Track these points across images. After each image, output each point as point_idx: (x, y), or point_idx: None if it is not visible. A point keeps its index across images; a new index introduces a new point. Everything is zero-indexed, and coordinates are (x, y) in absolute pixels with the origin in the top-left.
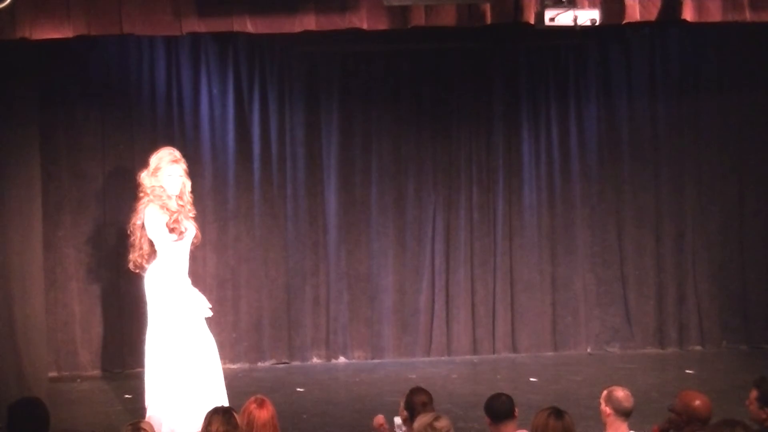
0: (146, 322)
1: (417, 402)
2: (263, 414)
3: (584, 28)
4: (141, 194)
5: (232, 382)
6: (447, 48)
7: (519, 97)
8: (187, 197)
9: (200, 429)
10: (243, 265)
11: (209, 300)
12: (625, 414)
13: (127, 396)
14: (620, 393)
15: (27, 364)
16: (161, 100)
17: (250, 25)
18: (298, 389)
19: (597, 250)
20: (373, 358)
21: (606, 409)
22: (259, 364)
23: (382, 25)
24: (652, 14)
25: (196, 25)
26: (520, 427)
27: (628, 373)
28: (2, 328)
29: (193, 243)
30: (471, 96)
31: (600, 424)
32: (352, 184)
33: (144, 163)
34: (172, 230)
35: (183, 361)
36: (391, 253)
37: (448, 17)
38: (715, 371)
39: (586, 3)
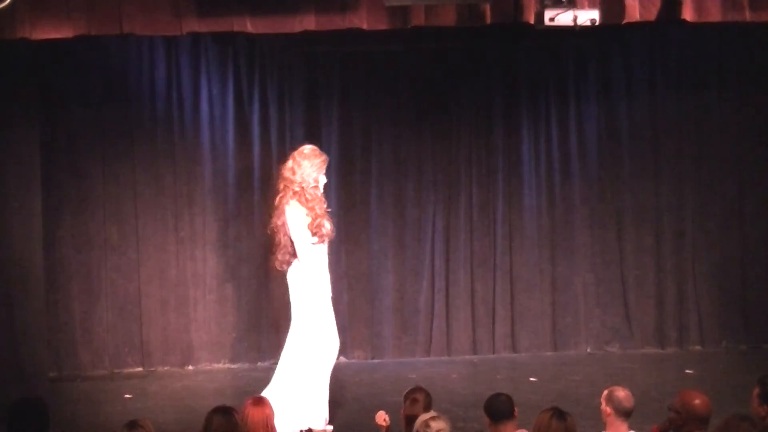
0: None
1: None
2: (258, 412)
3: (584, 28)
4: (284, 191)
5: (232, 382)
6: (447, 48)
7: (519, 97)
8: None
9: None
10: (243, 265)
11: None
12: (625, 414)
13: (127, 396)
14: (621, 393)
15: (27, 364)
16: (161, 99)
17: (250, 25)
18: None
19: (597, 249)
20: (373, 358)
21: (606, 408)
22: (260, 363)
23: (382, 25)
24: (652, 14)
25: (196, 25)
26: (520, 427)
27: (627, 373)
28: (2, 329)
29: (329, 239)
30: (471, 96)
31: (600, 423)
32: (351, 184)
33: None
34: (314, 233)
35: (319, 359)
36: (391, 253)
37: (448, 17)
38: (715, 371)
39: (586, 3)
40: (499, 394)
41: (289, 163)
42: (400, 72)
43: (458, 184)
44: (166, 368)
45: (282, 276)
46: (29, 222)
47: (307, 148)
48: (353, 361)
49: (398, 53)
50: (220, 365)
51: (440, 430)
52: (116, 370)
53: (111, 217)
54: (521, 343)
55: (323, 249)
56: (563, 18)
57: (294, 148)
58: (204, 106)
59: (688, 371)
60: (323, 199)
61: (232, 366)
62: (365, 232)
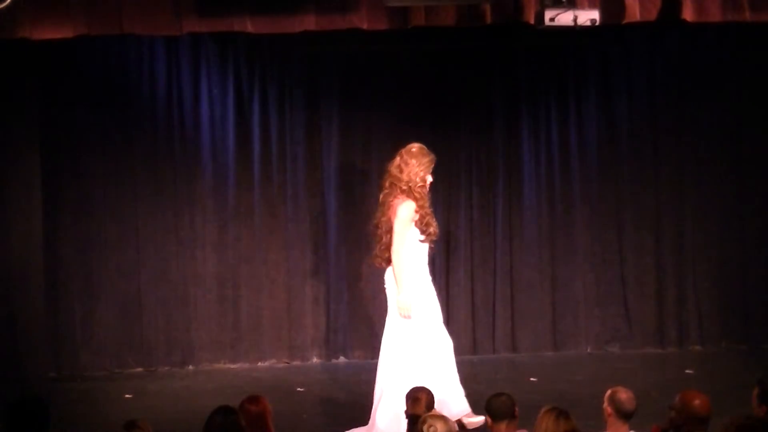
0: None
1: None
2: (254, 409)
3: (584, 28)
4: (391, 188)
5: (232, 382)
6: (447, 48)
7: (519, 97)
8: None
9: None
10: (243, 265)
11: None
12: (626, 416)
13: (127, 396)
14: (623, 395)
15: (27, 364)
16: (161, 100)
17: (250, 25)
18: (298, 389)
19: (597, 250)
20: (373, 358)
21: (608, 409)
22: (259, 363)
23: (382, 25)
24: (652, 14)
25: (196, 25)
26: (521, 426)
27: (628, 373)
28: (2, 329)
29: (434, 239)
30: (471, 96)
31: (601, 424)
32: (352, 184)
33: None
34: (422, 231)
35: (420, 357)
36: None
37: (448, 17)
38: (715, 371)
39: (586, 3)
40: (500, 394)
41: (397, 161)
42: (401, 72)
43: (458, 184)
44: (166, 368)
45: (280, 275)
46: (29, 222)
47: (416, 147)
48: (353, 360)
49: (399, 53)
50: (221, 365)
51: (440, 428)
52: (116, 370)
53: (111, 217)
54: (521, 343)
55: (424, 249)
56: (563, 18)
57: (294, 147)
58: (204, 107)
59: (688, 371)
60: (428, 198)
61: (232, 366)
62: (365, 232)
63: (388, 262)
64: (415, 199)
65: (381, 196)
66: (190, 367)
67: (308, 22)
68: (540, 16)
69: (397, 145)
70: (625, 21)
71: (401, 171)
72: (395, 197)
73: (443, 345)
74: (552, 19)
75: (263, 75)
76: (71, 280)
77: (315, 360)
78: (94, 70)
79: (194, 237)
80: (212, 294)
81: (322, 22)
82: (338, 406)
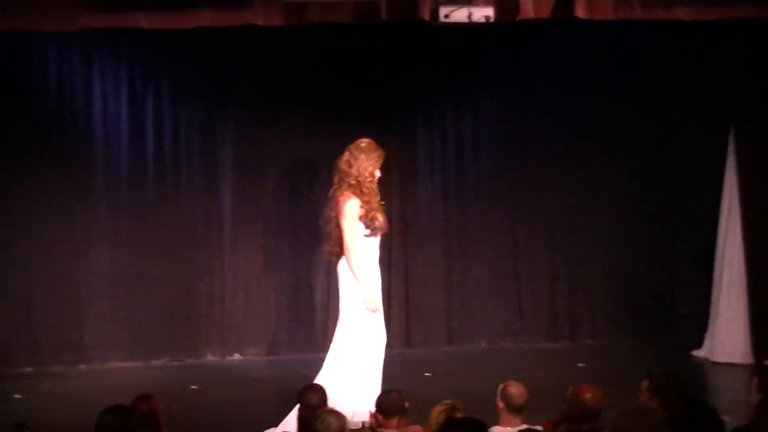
0: None
1: (309, 400)
2: (145, 407)
3: (478, 24)
4: (339, 183)
5: (125, 381)
6: (344, 45)
7: (414, 94)
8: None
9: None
10: (136, 262)
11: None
12: (517, 409)
13: (17, 396)
14: (514, 389)
15: None
16: (53, 95)
17: (143, 21)
18: (193, 387)
19: (490, 245)
20: (268, 355)
21: (500, 403)
22: (153, 361)
23: (277, 21)
24: (546, 11)
25: (89, 21)
26: (416, 422)
27: (521, 367)
28: None
29: (383, 233)
30: (366, 93)
31: (495, 417)
32: (247, 181)
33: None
34: (367, 226)
35: (368, 350)
36: (286, 249)
37: (343, 14)
38: (606, 364)
39: (481, 0)
40: (389, 391)
41: (346, 156)
42: (297, 69)
43: None
44: (57, 367)
45: (175, 273)
46: None
47: (364, 142)
48: (248, 357)
49: (295, 50)
50: (113, 364)
51: (335, 424)
52: (5, 370)
53: (1, 214)
54: (416, 337)
55: (374, 243)
56: (458, 15)
57: (189, 144)
58: (97, 103)
59: (580, 365)
60: (378, 192)
61: (125, 364)
62: (260, 229)
63: (339, 256)
64: (362, 195)
65: (330, 192)
66: (82, 366)
67: (203, 18)
68: (435, 13)
69: (291, 141)
70: (519, 18)
71: (350, 166)
72: (342, 193)
73: (381, 342)
74: (447, 16)
75: (158, 71)
76: None
77: (209, 358)
78: None
79: (87, 234)
80: (105, 291)
81: (217, 18)
82: (233, 403)
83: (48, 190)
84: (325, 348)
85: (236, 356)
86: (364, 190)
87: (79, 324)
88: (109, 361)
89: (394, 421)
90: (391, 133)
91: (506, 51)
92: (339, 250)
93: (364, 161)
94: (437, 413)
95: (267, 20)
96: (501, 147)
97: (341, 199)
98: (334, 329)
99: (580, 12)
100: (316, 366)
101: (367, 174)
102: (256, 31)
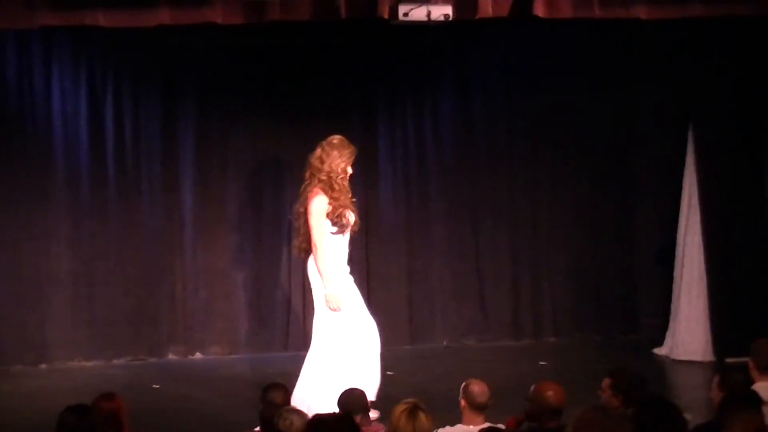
0: None
1: (272, 398)
2: (107, 406)
3: (437, 23)
4: (311, 179)
5: (87, 380)
6: (304, 43)
7: (375, 92)
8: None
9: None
10: (98, 261)
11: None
12: (479, 408)
13: None
14: (476, 387)
15: None
16: (12, 93)
17: (102, 19)
18: (155, 386)
19: (453, 243)
20: (230, 354)
21: (462, 401)
22: (115, 361)
23: (237, 19)
24: (505, 10)
25: (48, 18)
26: (379, 421)
27: (484, 365)
28: None
29: (352, 230)
30: (328, 91)
31: (458, 416)
32: (208, 180)
33: None
34: (334, 223)
35: (346, 346)
36: (249, 248)
37: (303, 12)
38: (569, 362)
39: None
40: (352, 389)
41: (318, 152)
42: (258, 67)
43: None
44: (18, 367)
45: (136, 272)
46: None
47: (336, 138)
48: (210, 356)
49: (256, 48)
50: (75, 363)
51: (297, 423)
52: None
53: None
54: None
55: (343, 240)
56: (417, 13)
57: (149, 142)
58: (56, 100)
59: (542, 363)
60: (349, 189)
61: (87, 364)
62: (222, 227)
63: (307, 252)
64: (332, 191)
65: (301, 187)
66: (44, 365)
67: (162, 16)
68: (394, 11)
69: (254, 140)
70: (478, 16)
71: (322, 162)
72: (312, 189)
73: (368, 335)
74: (406, 14)
75: (118, 69)
76: None
77: (171, 357)
78: None
79: (47, 233)
80: (66, 291)
81: (177, 16)
82: (195, 402)
83: (8, 188)
84: (287, 346)
85: (198, 355)
86: (335, 186)
87: (40, 323)
88: (71, 360)
89: (356, 418)
90: (353, 131)
91: (468, 49)
92: (307, 246)
93: (337, 158)
94: (399, 412)
95: (226, 18)
96: (463, 145)
97: (309, 195)
98: (296, 328)
99: (539, 11)
100: (278, 364)
101: (339, 170)
102: (216, 29)
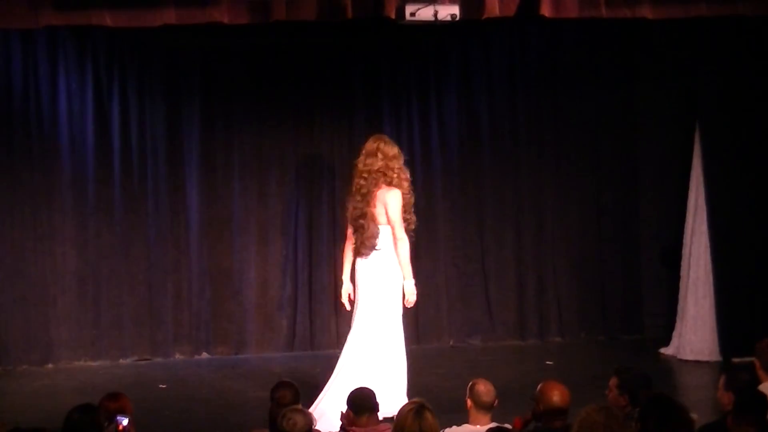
0: None
1: (279, 397)
2: (113, 406)
3: (444, 22)
4: (376, 176)
5: (93, 379)
6: (309, 43)
7: (381, 92)
8: None
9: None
10: (103, 261)
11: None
12: (485, 407)
13: None
14: (482, 387)
15: None
16: (18, 93)
17: (108, 19)
18: (161, 386)
19: (458, 243)
20: (236, 354)
21: (468, 401)
22: (121, 360)
23: (242, 19)
24: (511, 10)
25: (53, 18)
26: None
27: (489, 365)
28: None
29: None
30: (333, 91)
31: (464, 415)
32: (214, 179)
33: None
34: (404, 219)
35: (395, 341)
36: (254, 248)
37: (309, 12)
38: (574, 362)
39: None
40: (362, 388)
41: (373, 149)
42: (263, 67)
43: (321, 178)
44: (24, 367)
45: (142, 272)
46: None
47: (386, 136)
48: (216, 356)
49: (261, 47)
50: (81, 363)
51: (300, 423)
52: None
53: None
54: None
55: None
56: (424, 13)
57: (155, 142)
58: (62, 101)
59: (548, 362)
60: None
61: (93, 363)
62: (228, 227)
63: (371, 250)
64: (401, 187)
65: (354, 187)
66: (50, 365)
67: (168, 16)
68: (401, 11)
69: (259, 139)
70: (485, 16)
71: (387, 158)
72: (380, 186)
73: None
74: (413, 14)
75: (123, 69)
76: None
77: (177, 356)
78: None
79: (53, 233)
80: (72, 290)
81: (183, 16)
82: (201, 402)
83: (14, 189)
84: (293, 346)
85: (204, 355)
86: (405, 183)
87: (46, 323)
88: (77, 360)
89: (364, 418)
90: (359, 131)
91: (473, 49)
92: (373, 244)
93: (398, 155)
94: (405, 412)
95: (232, 19)
96: (468, 145)
97: (380, 192)
98: (302, 328)
99: (546, 10)
100: (284, 364)
101: (397, 166)
102: (222, 29)
